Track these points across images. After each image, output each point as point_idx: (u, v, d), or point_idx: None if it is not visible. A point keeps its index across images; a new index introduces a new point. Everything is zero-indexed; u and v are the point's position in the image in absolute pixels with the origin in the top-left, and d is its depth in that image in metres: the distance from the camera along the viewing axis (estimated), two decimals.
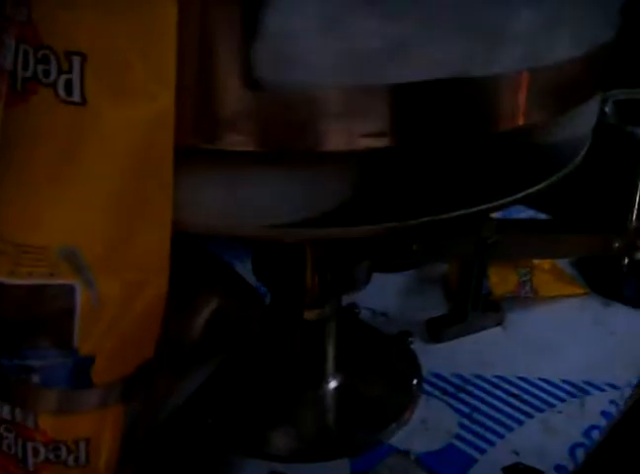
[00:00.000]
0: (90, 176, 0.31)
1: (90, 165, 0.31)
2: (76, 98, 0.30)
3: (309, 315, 0.46)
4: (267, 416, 0.55)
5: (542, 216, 0.79)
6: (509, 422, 0.56)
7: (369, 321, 0.66)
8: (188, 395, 0.46)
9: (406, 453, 0.45)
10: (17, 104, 0.31)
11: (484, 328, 0.65)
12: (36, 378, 0.35)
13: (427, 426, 0.56)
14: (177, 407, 0.46)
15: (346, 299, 0.65)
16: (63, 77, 0.30)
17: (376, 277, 0.72)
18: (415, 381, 0.59)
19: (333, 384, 0.57)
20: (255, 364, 0.59)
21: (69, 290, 0.34)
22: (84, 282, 0.34)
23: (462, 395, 0.58)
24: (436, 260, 0.67)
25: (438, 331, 0.63)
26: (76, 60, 0.29)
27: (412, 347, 0.62)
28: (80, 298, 0.34)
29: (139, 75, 0.30)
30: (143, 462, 0.53)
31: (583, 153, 0.42)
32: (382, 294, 0.70)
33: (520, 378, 0.60)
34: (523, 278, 0.67)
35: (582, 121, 0.40)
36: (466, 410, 0.57)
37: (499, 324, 0.66)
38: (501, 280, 0.67)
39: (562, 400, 0.58)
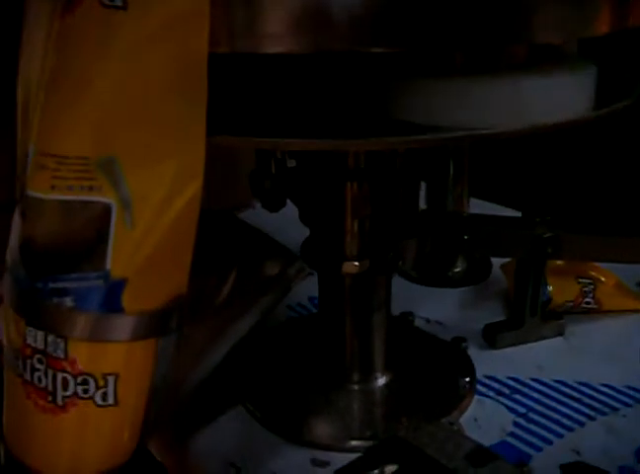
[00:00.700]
0: (128, 83, 0.33)
1: (128, 72, 0.32)
2: (118, 2, 0.31)
3: (348, 267, 0.45)
4: (312, 405, 0.54)
5: None
6: (568, 423, 0.53)
7: (424, 328, 0.64)
8: (219, 359, 0.46)
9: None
10: (64, 16, 0.33)
11: (543, 337, 0.62)
12: (69, 302, 0.36)
13: (479, 423, 0.53)
14: (210, 371, 0.46)
15: (400, 307, 0.64)
16: None
17: (434, 291, 0.72)
18: (467, 380, 0.56)
19: (382, 380, 0.56)
20: (305, 354, 0.58)
21: (106, 209, 0.35)
22: (120, 201, 0.34)
23: (518, 396, 0.56)
24: (488, 253, 0.65)
25: (494, 336, 0.61)
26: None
27: (467, 352, 0.60)
28: (115, 218, 0.35)
29: None
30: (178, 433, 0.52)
31: None
32: (439, 306, 0.68)
33: (581, 383, 0.57)
34: (585, 289, 0.65)
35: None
36: (522, 410, 0.54)
37: (560, 334, 0.63)
38: (561, 289, 0.64)
39: (627, 405, 0.54)
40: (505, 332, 0.61)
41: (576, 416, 0.53)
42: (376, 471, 0.38)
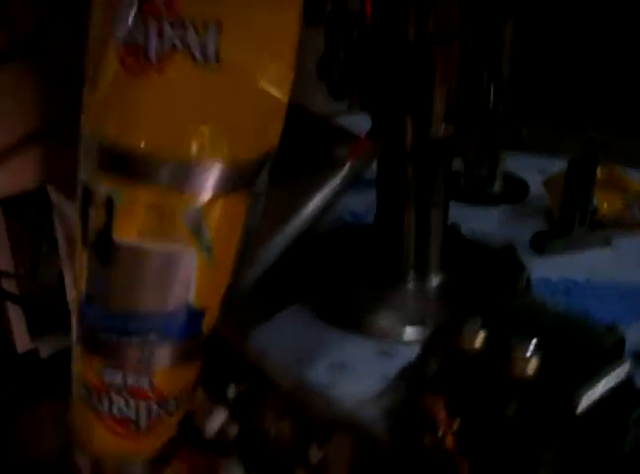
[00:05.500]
0: None
1: None
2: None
3: (436, 130, 0.44)
4: (371, 301, 0.54)
5: None
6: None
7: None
8: (290, 236, 0.45)
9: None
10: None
11: (591, 245, 0.62)
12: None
13: None
14: (278, 252, 0.46)
15: None
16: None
17: (475, 209, 0.72)
18: (521, 281, 0.57)
19: (436, 280, 0.56)
20: (361, 256, 0.58)
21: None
22: None
23: (574, 296, 0.56)
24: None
25: (543, 243, 0.61)
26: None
27: (519, 256, 0.60)
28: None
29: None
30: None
31: None
32: (483, 221, 0.68)
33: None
34: (631, 202, 0.65)
35: None
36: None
37: (607, 243, 0.63)
38: (607, 201, 0.64)
39: None
40: (554, 239, 0.61)
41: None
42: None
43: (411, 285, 0.55)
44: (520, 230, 0.66)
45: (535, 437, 0.32)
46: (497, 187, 0.74)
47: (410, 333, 0.51)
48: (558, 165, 0.70)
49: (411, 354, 0.49)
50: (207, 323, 0.40)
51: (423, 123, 0.45)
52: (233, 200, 0.37)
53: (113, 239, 0.37)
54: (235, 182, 0.36)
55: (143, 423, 0.39)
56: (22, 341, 1.32)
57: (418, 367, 0.39)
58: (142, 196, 0.37)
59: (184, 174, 0.36)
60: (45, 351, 1.44)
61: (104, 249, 0.38)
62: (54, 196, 0.79)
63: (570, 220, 0.61)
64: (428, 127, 0.45)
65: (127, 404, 0.39)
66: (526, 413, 0.33)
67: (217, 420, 0.47)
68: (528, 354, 0.33)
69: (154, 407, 0.39)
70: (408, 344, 0.51)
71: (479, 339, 0.36)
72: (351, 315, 0.52)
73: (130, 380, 0.38)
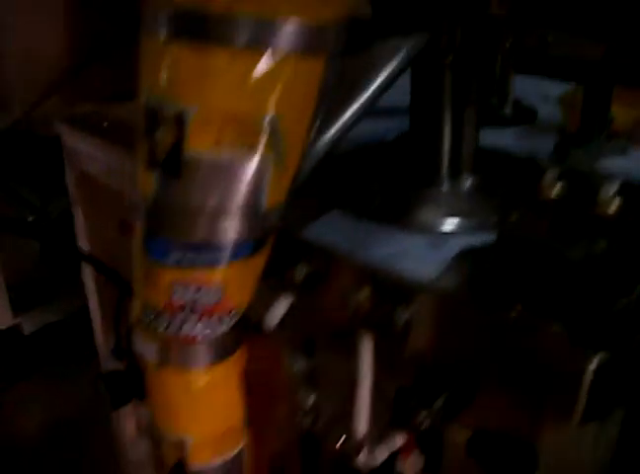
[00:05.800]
0: None
1: None
2: None
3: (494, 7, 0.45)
4: (412, 199, 0.55)
5: None
6: None
7: None
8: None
9: None
10: None
11: (608, 154, 0.64)
12: None
13: None
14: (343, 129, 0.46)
15: None
16: None
17: (490, 130, 0.73)
18: None
19: (468, 182, 0.57)
20: (394, 164, 0.59)
21: None
22: None
23: None
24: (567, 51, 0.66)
25: (566, 150, 0.63)
26: None
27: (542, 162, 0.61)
28: None
29: None
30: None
31: None
32: (499, 140, 0.69)
33: None
34: None
35: None
36: None
37: (623, 153, 0.65)
38: (622, 113, 0.66)
39: None
40: (576, 148, 0.63)
41: None
42: None
43: (445, 187, 0.56)
44: (537, 146, 0.67)
45: (629, 270, 0.33)
46: (507, 111, 0.75)
47: (452, 224, 0.52)
48: (562, 91, 0.72)
49: (458, 244, 0.51)
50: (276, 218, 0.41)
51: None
52: (312, 62, 0.37)
53: (185, 153, 0.37)
54: (315, 42, 0.37)
55: None
56: (4, 316, 1.30)
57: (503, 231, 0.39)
58: (219, 59, 0.37)
59: (263, 32, 0.36)
60: (29, 327, 1.41)
61: (174, 164, 0.38)
62: (67, 134, 0.78)
63: (590, 129, 0.63)
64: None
65: None
66: (616, 248, 0.34)
67: (279, 309, 0.47)
68: (612, 192, 0.35)
69: None
70: (452, 235, 0.52)
71: (558, 187, 0.37)
72: (394, 211, 0.53)
73: None
